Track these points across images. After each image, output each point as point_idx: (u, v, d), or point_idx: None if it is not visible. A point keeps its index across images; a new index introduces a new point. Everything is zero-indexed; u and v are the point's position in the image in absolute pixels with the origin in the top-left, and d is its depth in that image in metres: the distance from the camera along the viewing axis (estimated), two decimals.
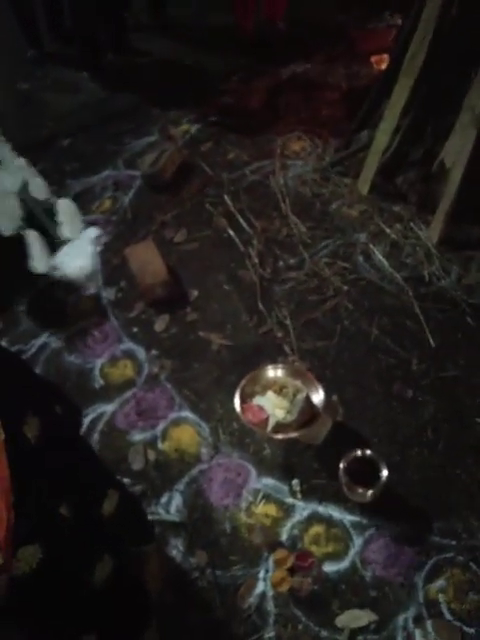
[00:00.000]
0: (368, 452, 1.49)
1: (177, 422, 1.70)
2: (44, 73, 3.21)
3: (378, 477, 1.47)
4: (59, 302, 2.03)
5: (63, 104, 3.03)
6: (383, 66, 2.78)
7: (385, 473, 1.45)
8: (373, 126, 2.30)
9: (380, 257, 2.09)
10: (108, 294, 2.06)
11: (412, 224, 2.16)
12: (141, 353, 1.88)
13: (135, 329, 1.95)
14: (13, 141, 2.51)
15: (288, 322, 1.93)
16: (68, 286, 2.07)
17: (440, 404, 1.68)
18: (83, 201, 2.46)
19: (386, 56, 2.76)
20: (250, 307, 1.99)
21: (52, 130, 2.86)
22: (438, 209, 2.07)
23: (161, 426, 1.69)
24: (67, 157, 2.72)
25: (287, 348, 1.85)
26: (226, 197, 2.37)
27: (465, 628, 1.32)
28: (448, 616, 1.34)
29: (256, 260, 2.14)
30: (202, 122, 2.74)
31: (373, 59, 2.94)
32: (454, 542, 1.44)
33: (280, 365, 1.65)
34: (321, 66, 2.99)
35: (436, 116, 2.08)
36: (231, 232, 2.24)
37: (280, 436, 1.52)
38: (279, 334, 1.90)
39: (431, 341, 1.82)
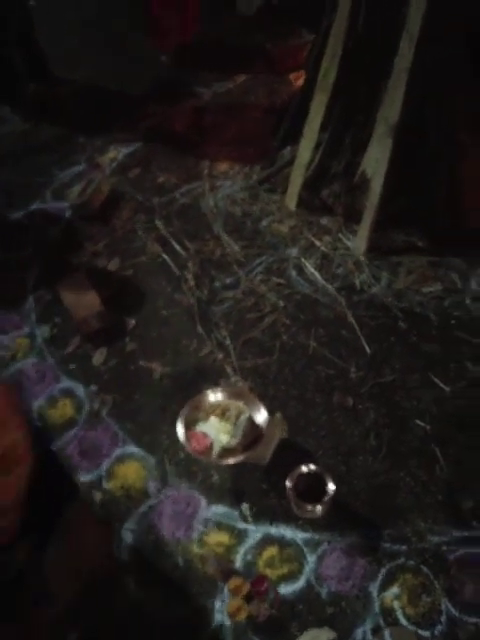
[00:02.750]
0: (313, 467, 1.50)
1: (122, 458, 1.66)
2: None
3: (325, 491, 1.47)
4: None
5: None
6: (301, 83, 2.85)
7: (332, 487, 1.46)
8: (295, 142, 2.35)
9: (312, 270, 2.12)
10: (42, 332, 2.01)
11: (340, 235, 2.21)
12: (80, 390, 1.83)
13: (72, 365, 1.91)
14: None
15: (228, 342, 1.93)
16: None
17: (380, 410, 1.71)
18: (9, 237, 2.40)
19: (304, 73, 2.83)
20: (189, 331, 1.98)
21: None
22: (363, 218, 2.12)
23: (105, 464, 1.65)
24: None
25: (229, 369, 1.85)
26: (158, 222, 2.36)
27: (420, 631, 1.34)
28: (404, 622, 1.36)
29: (192, 283, 2.13)
30: (129, 148, 2.73)
31: (292, 76, 3.00)
32: (405, 547, 1.45)
33: (220, 388, 1.64)
34: (242, 85, 3.04)
35: (353, 129, 2.14)
36: (165, 256, 2.23)
37: (226, 461, 1.51)
38: (220, 355, 1.90)
39: (367, 348, 1.85)
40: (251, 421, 1.57)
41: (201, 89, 3.01)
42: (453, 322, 1.89)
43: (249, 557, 1.48)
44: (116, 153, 2.73)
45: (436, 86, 1.95)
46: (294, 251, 2.20)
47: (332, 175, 2.24)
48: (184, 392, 1.76)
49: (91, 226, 2.39)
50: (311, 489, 1.48)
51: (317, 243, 2.21)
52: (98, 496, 1.59)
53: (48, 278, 2.18)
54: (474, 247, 2.06)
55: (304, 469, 1.50)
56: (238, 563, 1.47)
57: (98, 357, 1.93)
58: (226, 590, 1.43)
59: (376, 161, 2.07)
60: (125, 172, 2.62)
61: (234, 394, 1.62)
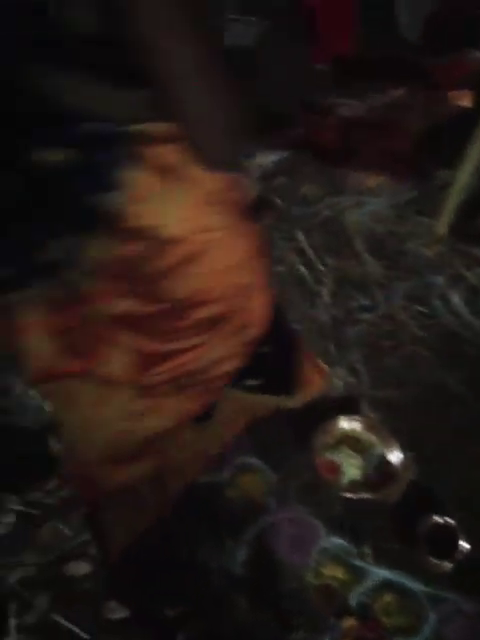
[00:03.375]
0: (449, 520, 1.40)
1: (243, 469, 1.65)
2: None
3: (458, 547, 1.37)
4: None
5: None
6: (462, 102, 2.70)
7: (466, 545, 1.35)
8: (454, 165, 2.22)
9: (459, 302, 1.99)
10: None
11: None
12: None
13: None
14: None
15: (360, 367, 1.86)
16: None
17: None
18: None
19: (466, 91, 2.68)
20: (320, 349, 1.93)
21: None
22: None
23: (227, 471, 1.64)
24: None
25: (359, 396, 1.77)
26: (298, 233, 2.33)
27: None
28: None
29: (328, 299, 2.08)
30: (276, 156, 2.73)
31: (452, 94, 2.86)
32: None
33: (355, 417, 1.58)
34: (398, 100, 2.94)
35: None
36: (302, 268, 2.20)
37: (352, 494, 1.45)
38: (350, 379, 1.83)
39: None
40: (383, 457, 1.49)
41: (355, 102, 2.95)
42: None
43: (364, 598, 1.40)
44: (263, 160, 2.74)
45: None
46: (440, 279, 2.08)
47: None
48: (309, 412, 1.71)
49: None
50: (442, 541, 1.38)
51: (466, 274, 2.07)
52: (219, 502, 1.58)
53: None
54: None
55: (438, 520, 1.40)
56: (353, 602, 1.40)
57: None
58: (337, 628, 1.36)
59: None
60: (270, 180, 2.62)
61: (368, 426, 1.55)
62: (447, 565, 1.38)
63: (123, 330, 0.93)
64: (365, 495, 1.45)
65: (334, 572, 1.45)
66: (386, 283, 2.10)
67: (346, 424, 1.55)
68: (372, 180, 2.50)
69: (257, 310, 1.08)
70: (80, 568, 1.45)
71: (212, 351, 1.03)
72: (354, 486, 1.46)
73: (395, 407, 1.73)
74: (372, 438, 1.51)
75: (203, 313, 0.97)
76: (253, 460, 1.65)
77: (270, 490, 1.58)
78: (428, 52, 3.15)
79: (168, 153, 0.82)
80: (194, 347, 1.00)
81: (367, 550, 1.46)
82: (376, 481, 1.47)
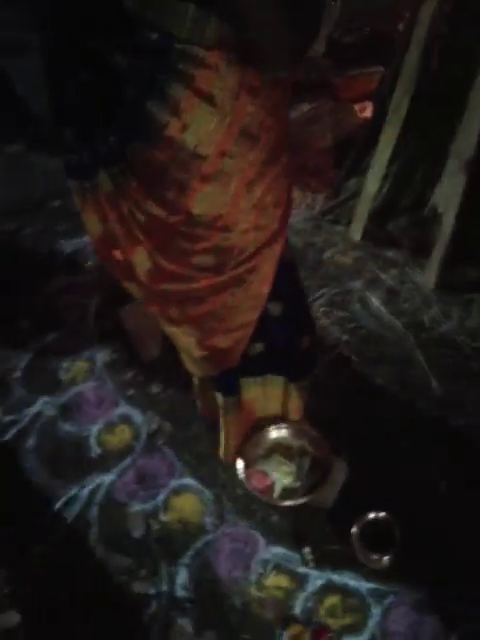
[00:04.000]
0: (382, 514, 1.42)
1: (179, 490, 1.62)
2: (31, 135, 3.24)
3: (394, 541, 1.39)
4: (52, 368, 1.99)
5: (53, 164, 3.05)
6: (366, 113, 2.83)
7: (399, 535, 1.38)
8: (362, 174, 2.32)
9: (378, 304, 2.06)
10: (102, 356, 2.02)
11: (407, 269, 2.15)
12: (138, 417, 1.81)
13: (131, 391, 1.90)
14: (3, 205, 2.54)
15: None
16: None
17: (452, 455, 1.62)
18: (75, 261, 2.45)
19: (369, 103, 2.81)
20: None
21: (43, 192, 2.87)
22: (433, 253, 2.06)
23: (162, 495, 1.62)
24: (59, 218, 2.72)
25: None
26: None
27: None
28: None
29: None
30: None
31: (357, 107, 2.99)
32: None
33: (284, 424, 1.59)
34: (306, 114, 3.04)
35: (424, 163, 2.10)
36: None
37: (288, 502, 1.45)
38: None
39: (436, 389, 1.77)
40: (315, 462, 1.51)
41: None
42: None
43: (310, 604, 1.40)
44: None
45: None
46: (358, 284, 2.15)
47: (400, 208, 2.19)
48: None
49: None
50: (379, 537, 1.41)
51: (383, 276, 2.15)
52: (154, 526, 1.55)
53: (111, 302, 2.19)
54: None
55: (372, 516, 1.43)
56: (298, 609, 1.40)
57: (157, 384, 1.91)
58: (285, 637, 1.35)
59: (448, 196, 2.01)
60: None
61: (298, 432, 1.57)
62: (386, 559, 1.40)
63: (150, 237, 1.08)
64: (301, 501, 1.46)
65: (277, 582, 1.44)
66: (307, 292, 2.14)
67: (275, 433, 1.56)
68: None
69: (269, 263, 1.19)
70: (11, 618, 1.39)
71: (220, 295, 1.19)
72: (289, 493, 1.47)
73: (325, 412, 1.76)
74: (303, 443, 1.53)
75: (221, 239, 1.09)
76: (187, 480, 1.63)
77: (206, 509, 1.57)
78: (333, 68, 3.30)
79: (213, 81, 0.94)
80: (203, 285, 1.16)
81: (308, 555, 1.46)
82: (310, 485, 1.48)
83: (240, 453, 1.53)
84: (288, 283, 1.33)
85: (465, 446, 1.64)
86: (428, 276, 2.07)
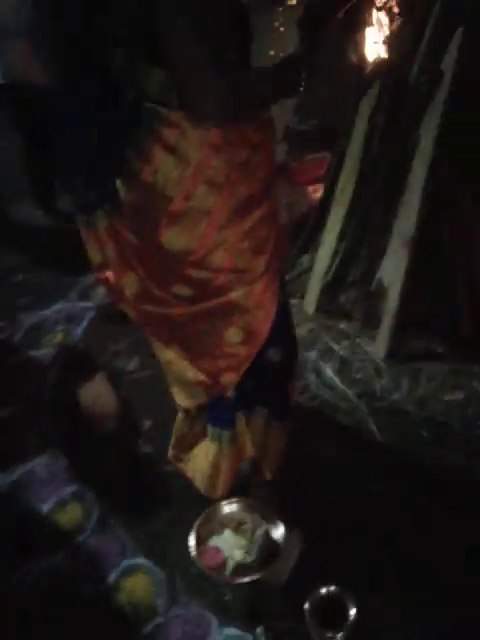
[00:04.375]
0: (333, 589, 1.40)
1: (130, 570, 1.57)
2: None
3: (347, 616, 1.37)
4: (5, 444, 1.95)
5: (16, 238, 3.12)
6: (318, 195, 3.00)
7: (353, 611, 1.36)
8: (314, 250, 2.44)
9: (331, 374, 2.11)
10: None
11: (359, 340, 2.22)
12: (90, 495, 1.78)
13: (84, 468, 1.87)
14: None
15: None
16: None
17: (407, 528, 1.62)
18: (35, 335, 2.46)
19: (321, 186, 2.99)
20: None
21: (4, 265, 2.92)
22: (382, 325, 2.15)
23: (113, 576, 1.56)
24: (20, 291, 2.75)
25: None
26: None
27: None
28: None
29: None
30: None
31: (310, 188, 3.17)
32: None
33: (235, 499, 1.58)
34: None
35: (369, 240, 2.22)
36: None
37: (241, 579, 1.42)
38: None
39: (388, 457, 1.79)
40: (268, 536, 1.49)
41: None
42: (478, 431, 1.84)
43: None
44: None
45: (449, 200, 2.04)
46: (313, 354, 2.21)
47: (350, 282, 2.30)
48: (199, 500, 1.69)
49: (114, 326, 2.44)
50: (333, 612, 1.38)
51: (336, 347, 2.22)
52: (105, 610, 1.49)
53: (67, 376, 2.19)
54: None
55: (324, 591, 1.40)
56: None
57: (111, 459, 1.88)
58: None
59: (393, 270, 2.12)
60: None
61: (250, 506, 1.55)
62: (340, 636, 1.37)
63: (140, 265, 1.24)
64: (254, 577, 1.43)
65: None
66: None
67: (227, 508, 1.54)
68: None
69: (255, 303, 1.31)
70: None
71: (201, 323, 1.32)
72: (241, 569, 1.44)
73: (279, 484, 1.75)
74: (255, 518, 1.52)
75: (195, 273, 1.23)
76: (139, 560, 1.59)
77: (158, 589, 1.52)
78: (289, 152, 3.51)
79: (177, 137, 1.11)
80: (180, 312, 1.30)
81: (261, 635, 1.42)
82: (264, 560, 1.45)
83: (193, 529, 1.51)
84: (282, 329, 1.44)
85: (418, 515, 1.64)
86: (378, 347, 2.15)
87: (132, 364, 2.26)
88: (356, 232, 2.23)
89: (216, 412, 1.49)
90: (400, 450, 1.82)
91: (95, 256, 1.31)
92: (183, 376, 1.43)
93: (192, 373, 1.41)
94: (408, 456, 1.80)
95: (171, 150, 1.12)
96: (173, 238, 1.19)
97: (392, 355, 2.12)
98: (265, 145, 1.23)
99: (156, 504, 1.74)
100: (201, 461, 1.56)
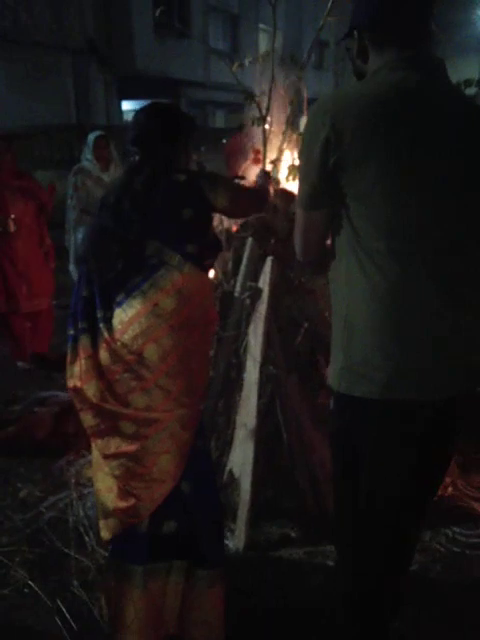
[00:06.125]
0: None
1: None
2: None
3: None
4: None
5: None
6: None
7: None
8: None
9: None
10: None
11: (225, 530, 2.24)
12: None
13: None
14: None
15: None
16: None
17: None
18: None
19: None
20: None
21: None
22: (238, 516, 2.21)
23: None
24: None
25: None
26: (23, 548, 2.19)
27: None
28: None
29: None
30: None
31: None
32: None
33: None
34: None
35: (217, 433, 2.36)
36: (32, 584, 2.03)
37: None
38: None
39: None
40: None
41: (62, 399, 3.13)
42: None
43: None
44: None
45: (281, 395, 2.30)
46: None
47: None
48: None
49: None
50: None
51: None
52: None
53: None
54: None
55: None
56: None
57: None
58: None
59: (242, 461, 2.25)
60: None
61: None
62: None
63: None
64: None
65: None
66: None
67: None
68: (90, 470, 2.59)
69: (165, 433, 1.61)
70: None
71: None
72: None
73: None
74: None
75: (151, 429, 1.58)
76: None
77: None
78: None
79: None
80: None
81: None
82: None
83: None
84: (198, 467, 1.66)
85: None
86: (237, 539, 2.19)
87: None
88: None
89: (129, 544, 1.62)
90: None
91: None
92: (108, 502, 1.59)
93: (114, 500, 1.58)
94: None
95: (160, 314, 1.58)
96: (133, 398, 1.59)
97: (251, 546, 2.16)
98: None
99: None
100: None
